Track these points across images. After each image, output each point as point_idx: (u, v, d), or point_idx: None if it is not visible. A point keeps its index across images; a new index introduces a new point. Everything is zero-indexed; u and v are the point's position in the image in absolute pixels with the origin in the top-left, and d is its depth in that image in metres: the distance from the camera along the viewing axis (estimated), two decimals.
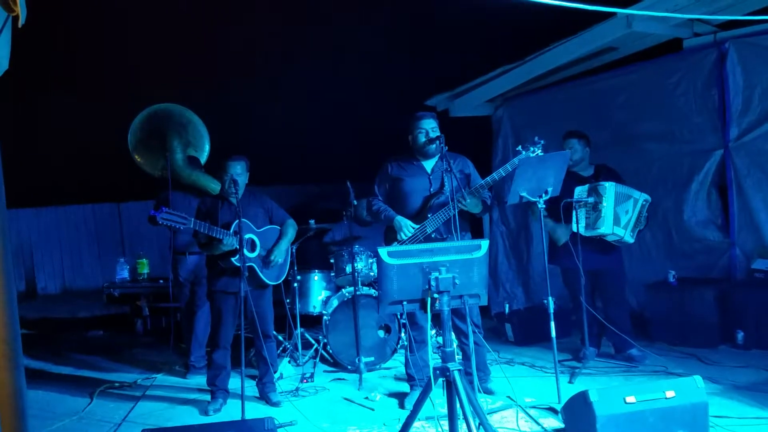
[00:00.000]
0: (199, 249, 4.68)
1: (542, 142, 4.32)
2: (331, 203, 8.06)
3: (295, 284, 5.71)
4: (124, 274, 7.78)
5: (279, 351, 5.46)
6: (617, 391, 3.23)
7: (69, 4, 7.81)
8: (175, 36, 9.01)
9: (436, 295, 2.92)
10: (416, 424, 3.76)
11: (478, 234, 6.49)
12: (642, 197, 4.95)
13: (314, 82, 10.01)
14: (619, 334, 4.91)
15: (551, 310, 4.29)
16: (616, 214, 4.82)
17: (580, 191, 4.81)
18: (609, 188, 4.80)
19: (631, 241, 5.01)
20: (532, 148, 4.28)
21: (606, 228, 4.79)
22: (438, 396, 3.46)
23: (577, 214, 4.76)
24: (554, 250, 5.06)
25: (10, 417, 2.08)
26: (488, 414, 3.88)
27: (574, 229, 4.77)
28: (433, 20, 9.12)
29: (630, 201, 4.91)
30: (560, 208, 4.75)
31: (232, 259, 4.34)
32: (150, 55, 9.55)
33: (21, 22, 2.33)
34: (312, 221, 5.87)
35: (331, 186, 8.32)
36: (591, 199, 4.79)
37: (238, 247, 4.26)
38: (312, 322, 6.06)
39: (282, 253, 4.65)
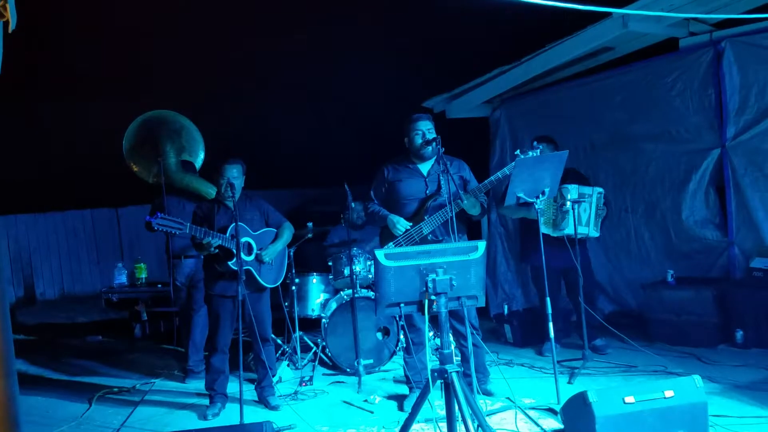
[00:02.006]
0: (196, 250, 4.66)
1: (541, 146, 4.33)
2: (329, 206, 8.05)
3: (294, 287, 5.70)
4: (123, 278, 7.75)
5: (278, 354, 5.45)
6: (616, 392, 3.23)
7: (65, 8, 7.79)
8: (173, 40, 9.00)
9: (433, 297, 2.90)
10: (415, 426, 3.75)
11: (476, 235, 6.47)
12: (595, 191, 5.18)
13: (311, 84, 10.00)
14: (610, 328, 5.05)
15: (549, 311, 4.32)
16: (579, 214, 5.03)
17: None
18: (572, 190, 5.02)
19: (597, 234, 5.25)
20: (530, 153, 4.28)
21: (570, 228, 5.00)
22: (437, 398, 3.45)
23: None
24: (524, 248, 5.18)
25: (3, 425, 2.07)
26: (487, 415, 3.87)
27: (543, 230, 4.84)
28: (430, 22, 9.11)
29: (586, 199, 5.12)
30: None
31: (229, 262, 4.32)
32: (148, 59, 9.53)
33: (11, 28, 2.31)
34: (310, 224, 5.87)
35: (329, 189, 8.30)
36: (557, 202, 4.99)
37: (233, 249, 4.25)
38: (310, 325, 6.05)
39: (274, 253, 4.62)
